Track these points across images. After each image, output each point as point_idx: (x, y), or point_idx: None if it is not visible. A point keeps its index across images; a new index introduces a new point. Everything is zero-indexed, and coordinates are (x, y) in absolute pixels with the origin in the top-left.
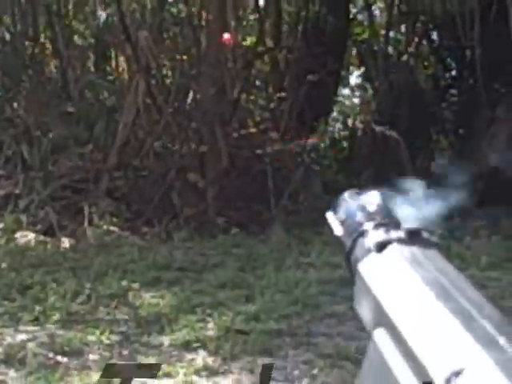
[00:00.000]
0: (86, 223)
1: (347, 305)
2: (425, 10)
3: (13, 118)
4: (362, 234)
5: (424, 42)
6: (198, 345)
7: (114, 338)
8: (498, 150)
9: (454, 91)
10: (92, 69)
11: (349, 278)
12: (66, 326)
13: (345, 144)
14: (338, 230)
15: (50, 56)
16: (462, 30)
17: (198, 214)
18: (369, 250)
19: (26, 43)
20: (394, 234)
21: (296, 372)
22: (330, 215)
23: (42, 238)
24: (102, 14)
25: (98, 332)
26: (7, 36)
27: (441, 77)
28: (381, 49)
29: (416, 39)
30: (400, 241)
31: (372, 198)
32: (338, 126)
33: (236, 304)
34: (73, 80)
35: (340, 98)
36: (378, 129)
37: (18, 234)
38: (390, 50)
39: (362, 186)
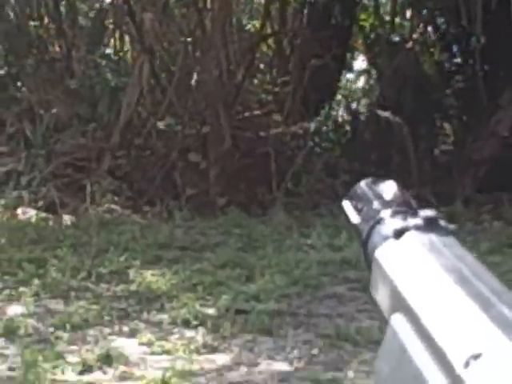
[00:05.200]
0: (87, 201)
1: (347, 286)
2: None
3: (16, 96)
4: (379, 221)
5: (429, 28)
6: (197, 323)
7: (114, 314)
8: (500, 138)
9: (458, 78)
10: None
11: (351, 260)
12: (67, 301)
13: (348, 128)
14: (355, 218)
15: (54, 35)
16: (466, 17)
17: (199, 194)
18: (386, 237)
19: (31, 23)
20: (411, 222)
21: (295, 351)
22: (345, 203)
23: (43, 214)
24: None
25: (98, 308)
26: (11, 15)
27: (445, 63)
28: (386, 35)
29: (421, 26)
30: (418, 228)
31: (388, 187)
32: (342, 110)
33: (236, 283)
34: (76, 59)
35: (344, 83)
36: (381, 114)
37: (19, 210)
38: (395, 36)
39: (364, 170)
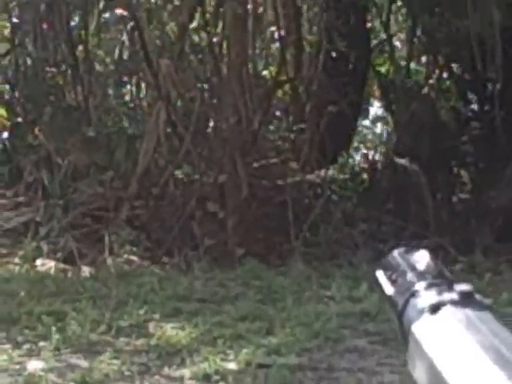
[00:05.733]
0: (106, 252)
1: (368, 339)
2: (446, 42)
3: (34, 144)
4: (414, 294)
5: (445, 74)
6: (218, 378)
7: (135, 368)
8: None
9: (475, 124)
10: (112, 96)
11: (370, 312)
12: (87, 355)
13: (365, 176)
14: (389, 290)
15: (72, 82)
16: (481, 63)
17: (217, 244)
18: (422, 312)
19: (48, 69)
20: (447, 296)
21: None
22: (379, 273)
23: (62, 266)
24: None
25: (118, 363)
26: (28, 61)
27: (462, 110)
28: (401, 81)
29: (437, 71)
30: (454, 303)
31: (421, 257)
32: (358, 157)
33: (257, 337)
34: (93, 106)
35: (360, 129)
36: (398, 161)
37: (38, 262)
38: (411, 82)
39: (381, 219)
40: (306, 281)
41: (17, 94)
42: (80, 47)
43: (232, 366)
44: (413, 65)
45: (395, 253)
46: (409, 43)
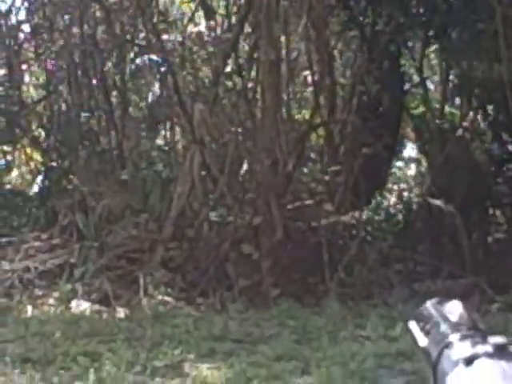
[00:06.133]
0: (141, 293)
1: (404, 379)
2: (480, 84)
3: (68, 188)
4: (448, 345)
5: (479, 116)
6: None
7: None
8: None
9: (509, 165)
10: (146, 139)
11: (406, 352)
12: None
13: (400, 217)
14: (423, 341)
15: (106, 127)
16: None
17: (252, 285)
18: (456, 364)
19: (82, 114)
20: (481, 348)
21: None
22: (412, 325)
23: (96, 307)
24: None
25: None
26: (63, 107)
27: (496, 151)
28: (435, 123)
29: (471, 113)
30: (488, 355)
31: (454, 308)
32: (393, 199)
33: (292, 376)
34: (128, 150)
35: (394, 171)
36: (433, 202)
37: (73, 303)
38: (445, 124)
39: (416, 260)
40: (342, 321)
41: (52, 139)
42: (114, 92)
43: None
44: (447, 107)
45: (428, 304)
46: (442, 85)
